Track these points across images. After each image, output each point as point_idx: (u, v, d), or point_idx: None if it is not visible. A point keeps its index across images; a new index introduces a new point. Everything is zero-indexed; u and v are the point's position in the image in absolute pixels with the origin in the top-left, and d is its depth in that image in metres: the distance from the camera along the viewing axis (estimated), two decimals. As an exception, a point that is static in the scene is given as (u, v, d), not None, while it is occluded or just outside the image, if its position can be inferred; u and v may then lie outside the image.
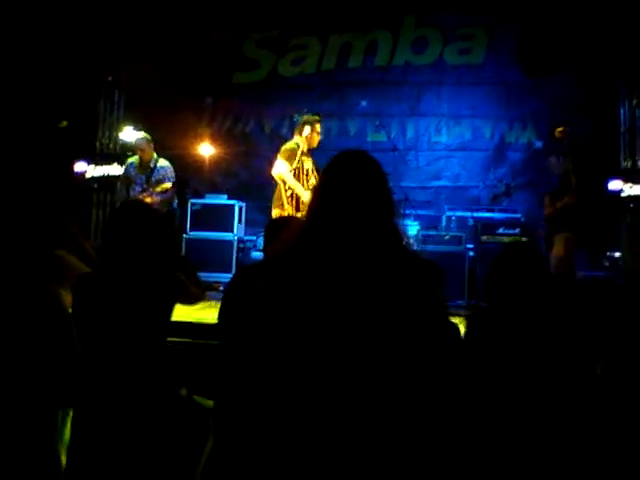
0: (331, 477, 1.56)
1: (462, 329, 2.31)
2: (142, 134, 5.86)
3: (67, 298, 2.80)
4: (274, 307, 1.68)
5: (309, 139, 5.10)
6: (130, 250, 2.28)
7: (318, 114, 5.28)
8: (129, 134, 7.29)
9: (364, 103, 7.36)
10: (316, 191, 1.75)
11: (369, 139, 7.73)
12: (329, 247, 1.60)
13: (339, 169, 1.70)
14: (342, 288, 1.57)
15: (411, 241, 6.29)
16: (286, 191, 4.97)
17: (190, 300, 2.59)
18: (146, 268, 2.30)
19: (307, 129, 5.08)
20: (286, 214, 4.81)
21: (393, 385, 1.57)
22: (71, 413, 2.55)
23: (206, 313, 2.64)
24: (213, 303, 2.78)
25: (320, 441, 1.57)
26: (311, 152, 5.21)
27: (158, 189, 5.60)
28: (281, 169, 5.00)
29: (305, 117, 5.20)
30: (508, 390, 2.02)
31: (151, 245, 2.32)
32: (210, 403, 2.54)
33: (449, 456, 1.74)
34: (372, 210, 1.62)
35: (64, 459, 2.58)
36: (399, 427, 1.57)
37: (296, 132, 5.20)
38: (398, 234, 1.68)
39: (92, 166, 7.44)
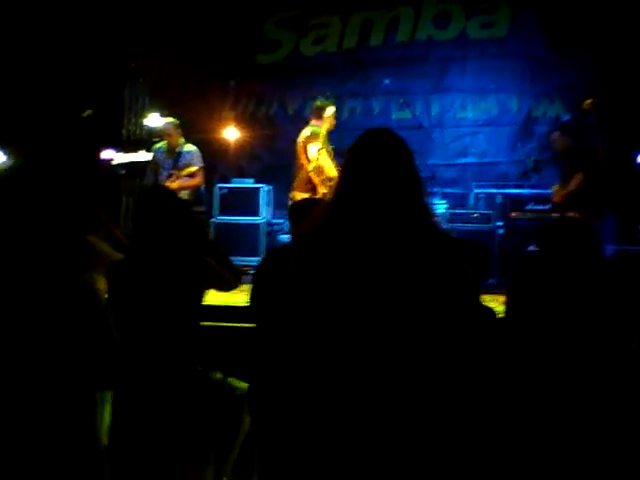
0: (367, 458, 1.58)
1: (497, 308, 2.30)
2: (169, 119, 5.90)
3: (102, 283, 2.87)
4: (303, 289, 1.69)
5: (330, 121, 5.11)
6: (156, 236, 2.32)
7: (335, 96, 5.31)
8: (155, 120, 7.35)
9: (387, 81, 7.27)
10: (343, 171, 1.76)
11: (393, 117, 7.65)
12: (357, 227, 1.61)
13: (365, 148, 1.69)
14: (371, 268, 1.57)
15: (439, 220, 6.25)
16: (319, 175, 4.98)
17: (223, 286, 2.61)
18: (174, 253, 2.34)
19: (329, 110, 5.09)
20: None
21: (423, 364, 1.58)
22: (110, 396, 2.62)
23: (237, 297, 2.67)
24: (243, 287, 2.81)
25: (354, 421, 1.59)
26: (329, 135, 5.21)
27: (184, 173, 5.64)
28: (314, 153, 5.02)
29: (319, 102, 5.22)
30: (550, 362, 2.01)
31: (175, 230, 2.35)
32: (245, 385, 2.59)
33: (481, 437, 1.74)
34: (400, 189, 1.61)
35: (105, 440, 2.67)
36: (430, 409, 1.58)
37: (313, 117, 5.20)
38: (427, 213, 1.67)
39: (119, 153, 7.52)
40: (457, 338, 1.61)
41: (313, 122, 5.22)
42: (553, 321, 2.01)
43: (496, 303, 2.49)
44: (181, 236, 2.40)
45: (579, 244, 2.10)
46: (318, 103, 5.26)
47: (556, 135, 4.91)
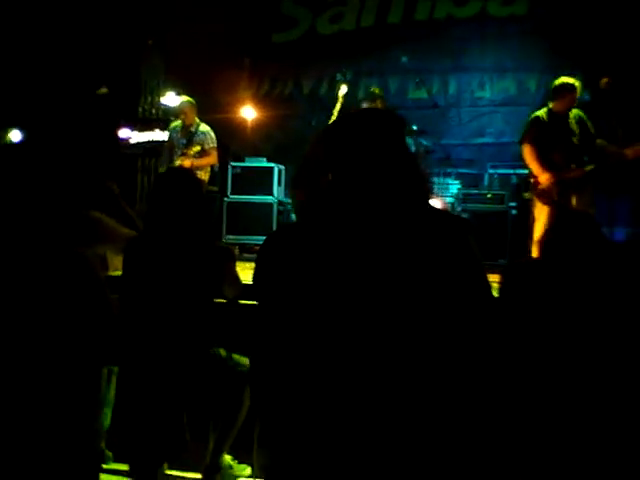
0: (366, 435, 1.59)
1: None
2: (185, 98, 5.89)
3: (112, 259, 2.89)
4: (302, 269, 1.70)
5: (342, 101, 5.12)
6: (174, 216, 2.33)
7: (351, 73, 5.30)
8: (171, 99, 7.35)
9: (405, 59, 7.17)
10: (332, 154, 1.75)
11: (409, 96, 7.58)
12: (350, 209, 1.60)
13: (349, 129, 1.68)
14: (365, 248, 1.57)
15: (448, 200, 6.21)
16: None
17: (232, 288, 2.57)
18: (191, 234, 2.35)
19: (342, 89, 5.08)
20: None
21: (424, 342, 1.57)
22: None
23: (242, 274, 2.69)
24: (247, 264, 2.82)
25: (353, 400, 1.60)
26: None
27: (192, 152, 5.64)
28: None
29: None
30: (543, 347, 2.00)
31: (195, 211, 2.37)
32: (248, 362, 2.61)
33: (484, 419, 1.73)
34: (389, 168, 1.60)
35: (109, 416, 2.72)
36: (430, 389, 1.58)
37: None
38: (422, 191, 1.66)
39: (136, 132, 7.55)
40: (455, 315, 1.60)
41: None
42: (547, 304, 1.99)
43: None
44: (198, 216, 2.41)
45: (583, 241, 2.07)
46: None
47: None
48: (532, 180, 4.52)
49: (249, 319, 2.67)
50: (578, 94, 4.37)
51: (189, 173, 2.67)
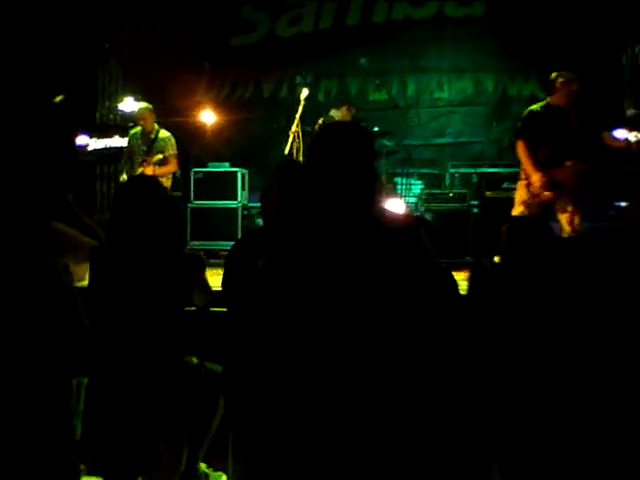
0: (339, 438, 1.60)
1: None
2: (144, 104, 5.81)
3: (76, 269, 2.84)
4: (270, 276, 1.71)
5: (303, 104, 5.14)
6: (141, 224, 2.30)
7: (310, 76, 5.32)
8: (129, 104, 7.25)
9: (363, 61, 7.26)
10: (306, 166, 1.79)
11: (370, 98, 7.65)
12: (316, 219, 1.64)
13: (323, 143, 1.71)
14: (332, 249, 1.61)
15: (411, 199, 6.29)
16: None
17: (202, 295, 2.56)
18: (158, 242, 2.33)
19: (303, 93, 5.10)
20: None
21: (394, 341, 1.60)
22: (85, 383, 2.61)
23: (211, 280, 2.67)
24: (214, 270, 2.81)
25: (325, 402, 1.61)
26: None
27: (154, 160, 5.58)
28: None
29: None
30: (515, 339, 2.03)
31: (160, 218, 2.34)
32: (220, 369, 2.59)
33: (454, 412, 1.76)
34: (353, 183, 1.65)
35: (79, 428, 2.66)
36: (403, 385, 1.60)
37: None
38: (376, 196, 1.72)
39: (93, 139, 7.43)
40: (419, 308, 1.63)
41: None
42: (516, 297, 2.04)
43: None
44: (166, 225, 2.38)
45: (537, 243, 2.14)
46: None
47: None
48: (525, 181, 4.40)
49: (220, 326, 2.67)
50: (576, 87, 4.26)
51: (153, 180, 2.64)
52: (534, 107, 4.45)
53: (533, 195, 4.32)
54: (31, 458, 1.66)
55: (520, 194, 4.43)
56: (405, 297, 1.60)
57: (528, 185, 4.36)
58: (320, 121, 5.26)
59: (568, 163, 4.29)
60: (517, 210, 4.40)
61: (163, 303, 2.34)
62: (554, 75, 4.39)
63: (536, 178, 4.29)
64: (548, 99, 4.41)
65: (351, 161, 1.67)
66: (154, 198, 2.35)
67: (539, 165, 4.30)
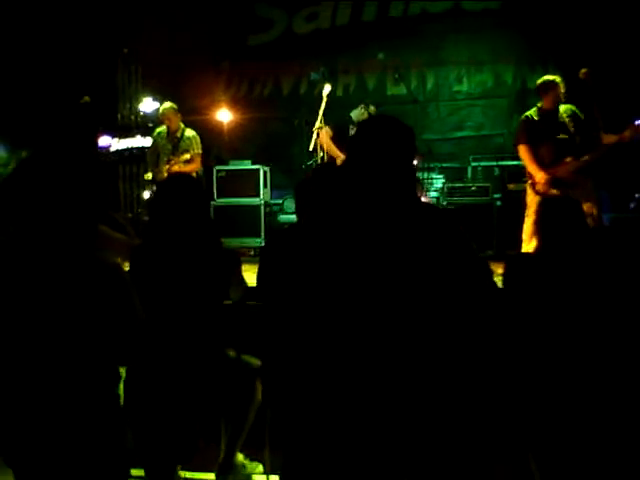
0: (377, 428, 1.63)
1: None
2: (168, 104, 5.87)
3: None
4: (310, 268, 1.74)
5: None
6: (181, 221, 2.36)
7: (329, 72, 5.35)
8: (148, 105, 7.34)
9: (381, 56, 7.23)
10: (346, 158, 1.81)
11: (388, 93, 7.66)
12: (359, 211, 1.66)
13: (366, 136, 1.73)
14: (373, 248, 1.63)
15: (433, 194, 6.29)
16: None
17: (238, 290, 2.61)
18: (198, 238, 2.38)
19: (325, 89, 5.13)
20: None
21: (430, 334, 1.62)
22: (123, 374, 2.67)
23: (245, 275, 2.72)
24: (246, 266, 2.86)
25: (363, 394, 1.64)
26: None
27: (182, 159, 5.66)
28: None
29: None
30: (550, 332, 2.05)
31: (200, 217, 2.40)
32: (256, 362, 2.64)
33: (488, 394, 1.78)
34: (395, 175, 1.67)
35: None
36: (439, 380, 1.63)
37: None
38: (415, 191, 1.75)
39: (115, 139, 7.52)
40: (457, 299, 1.65)
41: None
42: (552, 290, 2.05)
43: (494, 274, 2.52)
44: (205, 222, 2.44)
45: (570, 221, 2.14)
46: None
47: None
48: (529, 181, 4.58)
49: (255, 320, 2.71)
50: (562, 89, 4.45)
51: (193, 179, 2.69)
52: (528, 113, 4.65)
53: (539, 194, 4.42)
54: (84, 446, 1.71)
55: (528, 193, 4.60)
56: (447, 287, 1.63)
57: (533, 185, 4.53)
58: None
59: (568, 159, 4.43)
60: (530, 210, 4.48)
61: (203, 298, 2.40)
62: (540, 81, 4.61)
63: (539, 177, 4.45)
64: (539, 104, 4.60)
65: (394, 155, 1.69)
66: (195, 196, 2.40)
67: (542, 164, 4.47)
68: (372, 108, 5.45)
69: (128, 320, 1.74)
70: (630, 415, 2.01)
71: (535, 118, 4.56)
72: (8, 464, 1.74)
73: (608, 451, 2.02)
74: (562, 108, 4.52)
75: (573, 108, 4.53)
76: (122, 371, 2.63)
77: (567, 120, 4.46)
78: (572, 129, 4.43)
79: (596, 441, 2.01)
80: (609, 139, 4.36)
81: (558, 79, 4.50)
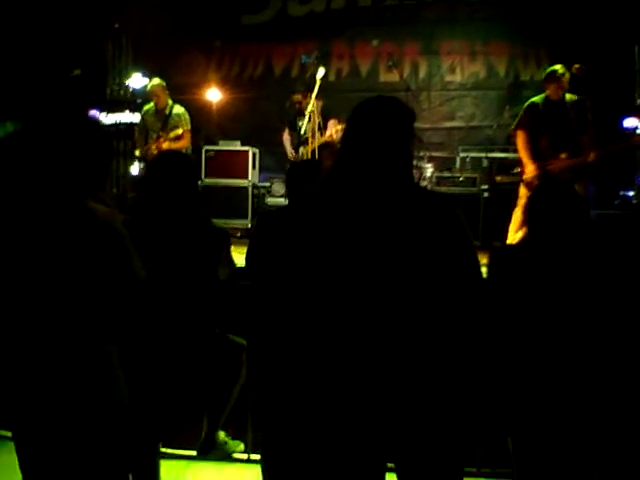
0: (361, 411, 1.64)
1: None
2: (156, 80, 5.81)
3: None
4: (302, 248, 1.74)
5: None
6: (172, 198, 2.34)
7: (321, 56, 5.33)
8: (138, 80, 7.25)
9: (375, 42, 7.20)
10: (343, 139, 1.80)
11: (381, 79, 7.63)
12: (353, 193, 1.66)
13: (363, 116, 1.72)
14: (366, 229, 1.62)
15: (421, 183, 6.31)
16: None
17: (226, 269, 2.59)
18: (189, 215, 2.36)
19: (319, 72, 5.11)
20: None
21: (417, 323, 1.63)
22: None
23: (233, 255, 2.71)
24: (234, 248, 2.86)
25: (347, 374, 1.64)
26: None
27: (171, 135, 5.61)
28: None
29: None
30: (534, 323, 2.07)
31: (192, 194, 2.38)
32: (241, 341, 2.65)
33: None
34: (392, 157, 1.66)
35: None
36: (424, 363, 1.63)
37: None
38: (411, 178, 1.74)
39: (104, 114, 7.43)
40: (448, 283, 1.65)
41: None
42: (537, 281, 2.06)
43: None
44: (197, 200, 2.42)
45: (567, 206, 2.14)
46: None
47: None
48: (519, 169, 4.56)
49: (242, 300, 2.71)
50: (566, 78, 4.37)
51: (184, 156, 2.67)
52: (535, 99, 4.56)
53: (527, 184, 4.41)
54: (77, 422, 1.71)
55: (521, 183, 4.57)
56: (433, 272, 1.63)
57: (521, 174, 4.50)
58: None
59: (562, 155, 4.39)
60: (522, 200, 4.47)
61: (191, 275, 2.39)
62: (546, 71, 4.52)
63: (530, 169, 4.42)
64: (547, 92, 4.50)
65: (392, 136, 1.68)
66: (187, 173, 2.38)
67: (537, 156, 4.41)
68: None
69: (126, 277, 1.74)
70: (612, 403, 2.04)
71: (540, 106, 4.47)
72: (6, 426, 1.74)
73: (587, 437, 2.06)
74: (567, 98, 4.42)
75: (578, 98, 4.45)
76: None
77: (572, 112, 4.37)
78: (574, 121, 4.35)
79: (576, 428, 2.04)
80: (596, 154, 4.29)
81: (563, 69, 4.42)
